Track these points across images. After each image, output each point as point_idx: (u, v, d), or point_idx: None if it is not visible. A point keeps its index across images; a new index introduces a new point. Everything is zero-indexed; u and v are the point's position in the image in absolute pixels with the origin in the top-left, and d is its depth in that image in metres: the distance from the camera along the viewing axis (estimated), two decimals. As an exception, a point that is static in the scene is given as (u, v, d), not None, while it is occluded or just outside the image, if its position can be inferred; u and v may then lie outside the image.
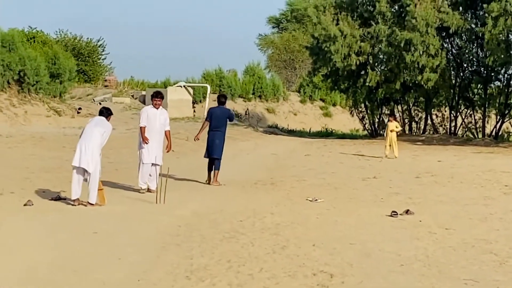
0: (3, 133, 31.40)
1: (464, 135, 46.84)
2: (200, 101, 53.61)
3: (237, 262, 9.76)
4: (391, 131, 29.33)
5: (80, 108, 42.24)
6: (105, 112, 15.37)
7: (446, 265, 9.86)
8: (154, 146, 16.76)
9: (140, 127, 16.92)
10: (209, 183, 18.99)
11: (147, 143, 16.61)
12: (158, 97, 17.03)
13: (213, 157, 19.16)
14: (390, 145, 29.32)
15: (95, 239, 11.24)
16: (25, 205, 14.24)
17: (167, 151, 17.43)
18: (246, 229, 12.35)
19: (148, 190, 16.64)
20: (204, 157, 19.39)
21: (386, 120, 32.09)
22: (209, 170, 19.24)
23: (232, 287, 8.56)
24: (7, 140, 29.14)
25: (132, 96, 53.80)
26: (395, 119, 31.73)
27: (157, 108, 17.00)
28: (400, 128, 30.06)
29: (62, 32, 60.85)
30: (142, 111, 17.43)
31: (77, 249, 10.45)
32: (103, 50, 61.99)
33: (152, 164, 16.71)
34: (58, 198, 15.25)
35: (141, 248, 10.65)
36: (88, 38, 61.13)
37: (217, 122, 19.28)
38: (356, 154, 31.23)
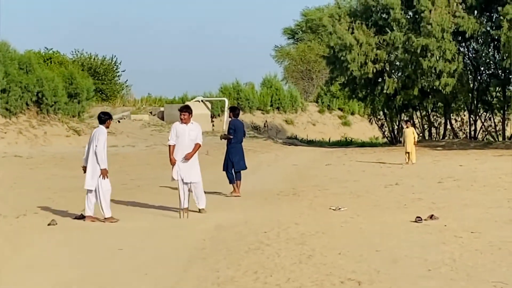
0: (24, 154, 31.57)
1: (484, 139, 46.76)
2: (219, 115, 53.73)
3: (264, 273, 9.73)
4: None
5: (99, 127, 42.36)
6: (103, 118, 15.21)
7: (474, 268, 9.80)
8: (187, 164, 15.83)
9: (168, 145, 16.13)
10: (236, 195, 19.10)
11: (173, 165, 15.77)
12: (183, 111, 16.01)
13: (244, 169, 19.39)
14: (408, 152, 29.35)
15: (120, 256, 11.25)
16: (49, 224, 14.26)
17: (185, 158, 15.84)
18: (271, 240, 12.31)
19: (199, 210, 15.94)
20: (236, 171, 19.36)
21: (405, 126, 32.01)
22: (233, 182, 19.32)
23: (260, 298, 8.54)
24: (28, 161, 29.28)
25: (151, 113, 53.97)
26: (412, 124, 31.75)
27: (186, 124, 15.94)
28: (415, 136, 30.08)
29: (78, 51, 61.23)
30: (172, 127, 16.34)
31: (103, 266, 10.45)
32: (117, 67, 62.31)
33: (188, 183, 15.78)
34: (81, 217, 15.27)
35: (167, 262, 10.64)
36: (103, 56, 61.50)
37: (241, 134, 19.52)
38: (377, 161, 31.20)
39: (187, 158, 15.89)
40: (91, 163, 14.88)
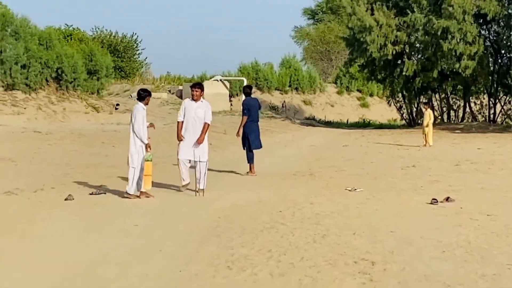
0: (43, 130, 31.67)
1: (504, 122, 46.47)
2: (237, 95, 53.66)
3: (278, 251, 9.74)
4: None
5: (118, 104, 42.44)
6: (142, 94, 15.22)
7: (489, 250, 9.77)
8: (192, 141, 15.74)
9: (177, 122, 16.11)
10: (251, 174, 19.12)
11: (181, 140, 15.81)
12: (195, 87, 15.93)
13: (259, 148, 19.37)
14: (425, 134, 29.28)
15: (135, 232, 11.28)
16: (66, 199, 14.34)
17: (197, 142, 15.75)
18: (286, 219, 12.32)
19: (197, 190, 15.56)
20: (251, 150, 19.33)
21: (424, 109, 31.91)
22: (251, 161, 19.31)
23: (273, 276, 8.54)
24: (46, 137, 29.37)
25: (169, 91, 53.99)
26: (431, 107, 31.66)
27: (196, 101, 15.87)
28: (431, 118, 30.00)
29: (98, 29, 61.21)
30: (182, 104, 16.39)
31: (118, 242, 10.49)
32: (137, 45, 62.25)
33: (195, 161, 15.74)
34: (98, 193, 15.34)
35: (181, 240, 10.67)
36: (123, 34, 61.46)
37: (256, 113, 19.45)
38: (395, 143, 31.11)
39: (198, 142, 15.80)
40: (132, 141, 14.95)
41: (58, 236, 11.00)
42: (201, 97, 16.03)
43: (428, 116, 29.64)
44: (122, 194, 15.12)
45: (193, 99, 15.95)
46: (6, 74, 37.40)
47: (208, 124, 16.01)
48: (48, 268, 9.00)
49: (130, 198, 14.73)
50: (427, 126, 29.44)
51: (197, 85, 16.15)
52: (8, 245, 10.26)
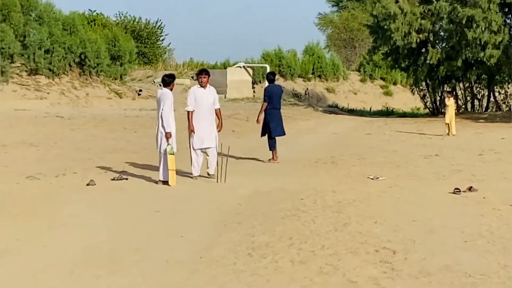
0: (65, 115, 31.81)
1: (529, 112, 46.07)
2: (260, 82, 53.56)
3: (299, 239, 9.72)
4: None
5: (140, 90, 42.51)
6: (167, 80, 15.16)
7: (511, 241, 9.70)
8: (205, 129, 15.68)
9: (187, 112, 15.79)
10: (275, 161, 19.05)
11: (193, 132, 15.61)
12: (203, 73, 15.81)
13: (281, 135, 19.28)
14: (448, 123, 29.11)
15: (157, 218, 11.30)
16: (87, 184, 14.38)
17: (218, 131, 16.05)
18: (307, 207, 12.29)
19: (208, 175, 15.75)
20: (273, 137, 19.22)
21: (446, 98, 31.67)
22: (273, 148, 19.21)
23: (294, 263, 8.52)
24: (69, 122, 29.50)
25: (192, 77, 53.92)
26: (454, 96, 31.45)
27: (205, 88, 15.76)
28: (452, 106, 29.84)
29: (122, 14, 61.35)
30: (189, 92, 16.03)
31: (139, 228, 10.52)
32: (161, 31, 62.32)
33: (207, 148, 15.77)
34: (120, 178, 15.35)
35: (202, 226, 10.67)
36: (146, 20, 61.51)
37: (278, 100, 19.33)
38: (418, 132, 30.96)
39: (219, 130, 16.04)
40: (160, 127, 14.98)
41: (79, 220, 11.04)
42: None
43: (450, 104, 29.48)
44: (143, 179, 15.21)
45: (201, 86, 15.85)
46: (29, 59, 37.61)
47: (220, 109, 16.17)
48: (70, 251, 9.05)
49: (165, 184, 14.80)
50: (450, 114, 29.27)
51: (204, 71, 16.11)
52: (31, 228, 10.31)
